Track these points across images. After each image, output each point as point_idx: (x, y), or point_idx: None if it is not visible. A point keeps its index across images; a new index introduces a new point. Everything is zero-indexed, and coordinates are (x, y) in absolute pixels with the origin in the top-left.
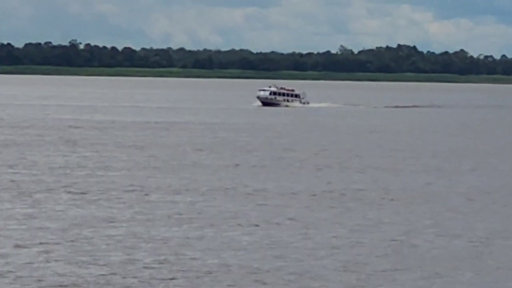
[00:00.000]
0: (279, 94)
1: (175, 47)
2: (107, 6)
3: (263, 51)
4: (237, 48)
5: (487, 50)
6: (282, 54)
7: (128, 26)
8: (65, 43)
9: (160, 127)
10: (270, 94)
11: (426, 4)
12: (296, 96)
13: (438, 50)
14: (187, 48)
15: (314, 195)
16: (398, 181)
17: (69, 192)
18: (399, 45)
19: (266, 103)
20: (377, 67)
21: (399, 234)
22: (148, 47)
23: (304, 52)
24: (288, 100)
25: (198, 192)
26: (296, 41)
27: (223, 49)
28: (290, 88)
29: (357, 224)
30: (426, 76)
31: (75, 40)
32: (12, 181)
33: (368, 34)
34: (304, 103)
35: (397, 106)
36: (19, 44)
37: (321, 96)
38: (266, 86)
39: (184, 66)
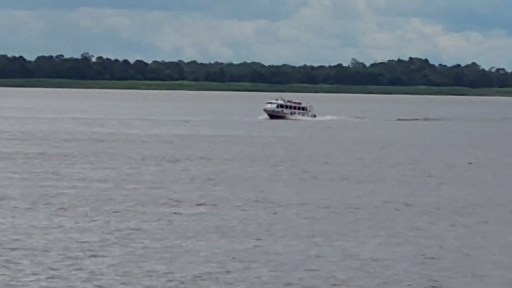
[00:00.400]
0: (286, 107)
1: (185, 60)
2: (117, 19)
3: (274, 64)
4: (248, 61)
5: (497, 63)
6: (293, 67)
7: (139, 40)
8: (77, 56)
9: (184, 140)
10: (277, 107)
11: (435, 17)
12: (303, 109)
13: (448, 63)
14: (198, 61)
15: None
16: (417, 193)
17: (108, 205)
18: (410, 58)
19: (273, 116)
20: (389, 80)
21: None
22: (159, 60)
23: (316, 65)
24: (295, 113)
25: (238, 203)
26: (306, 54)
27: (234, 62)
28: (296, 101)
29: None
30: (438, 89)
31: (87, 53)
32: (51, 194)
33: (378, 47)
34: (311, 116)
35: (403, 119)
36: (31, 57)
37: (328, 109)
38: (273, 99)
39: (195, 79)
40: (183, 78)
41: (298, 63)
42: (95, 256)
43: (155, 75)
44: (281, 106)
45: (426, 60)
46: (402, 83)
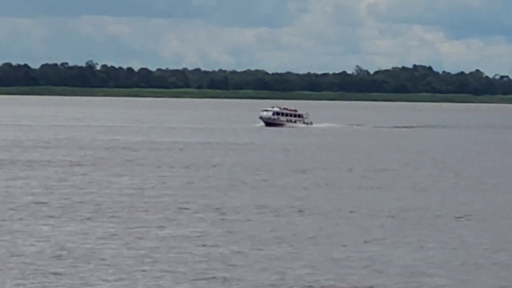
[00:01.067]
0: (282, 114)
1: (187, 67)
2: (119, 27)
3: (277, 71)
4: (250, 68)
5: (499, 70)
6: (297, 74)
7: (141, 47)
8: (81, 63)
9: (203, 147)
10: (273, 114)
11: (437, 24)
12: (299, 116)
13: (449, 70)
14: (200, 68)
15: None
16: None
17: (151, 212)
18: (414, 65)
19: (269, 123)
20: (393, 88)
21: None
22: (161, 67)
23: (317, 72)
24: (291, 121)
25: (275, 209)
26: (308, 61)
27: (235, 69)
28: (292, 109)
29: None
30: (441, 96)
31: (91, 60)
32: (95, 202)
33: (379, 54)
34: (307, 123)
35: (400, 126)
36: (35, 65)
37: (326, 116)
38: (269, 107)
39: (199, 87)
40: (187, 86)
41: (300, 70)
42: (150, 262)
43: (159, 82)
44: (277, 113)
45: (430, 68)
46: (406, 91)
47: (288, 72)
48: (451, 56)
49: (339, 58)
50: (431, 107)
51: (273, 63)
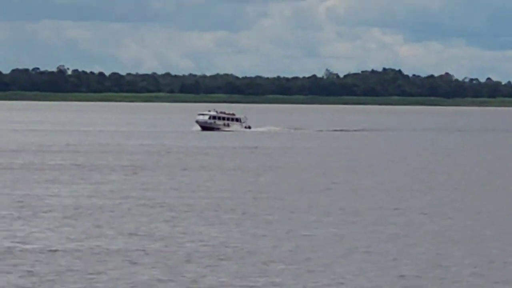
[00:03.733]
0: (219, 118)
1: (148, 72)
2: (77, 31)
3: (234, 74)
4: (210, 73)
5: (462, 72)
6: (267, 78)
7: (99, 51)
8: (53, 68)
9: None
10: (209, 118)
11: (395, 26)
12: (237, 120)
13: (408, 73)
14: (158, 72)
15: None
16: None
17: (217, 211)
18: (384, 68)
19: (205, 127)
20: (363, 91)
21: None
22: (120, 72)
23: (281, 76)
24: (228, 125)
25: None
26: (266, 65)
27: (194, 73)
28: (230, 112)
29: None
30: (412, 99)
31: (63, 65)
32: (161, 203)
33: (338, 58)
34: (245, 127)
35: (340, 130)
36: (6, 70)
37: (270, 119)
38: (205, 110)
39: (171, 91)
40: (159, 90)
41: (260, 73)
42: (215, 266)
43: (131, 87)
44: (214, 117)
45: (399, 71)
46: (377, 94)
47: (258, 76)
48: (410, 59)
49: (299, 61)
50: (402, 110)
51: (231, 67)
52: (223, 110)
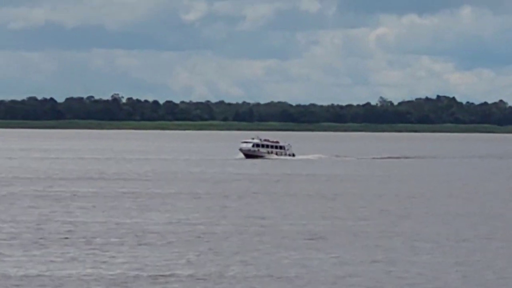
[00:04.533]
0: (262, 146)
1: (199, 100)
2: (129, 60)
3: (300, 103)
4: (263, 101)
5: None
6: (321, 106)
7: (151, 80)
8: (107, 97)
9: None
10: (253, 146)
11: (445, 54)
12: (281, 147)
13: (463, 101)
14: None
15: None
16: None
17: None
18: (438, 96)
19: (248, 155)
20: (416, 118)
21: None
22: (172, 100)
23: (343, 104)
24: (271, 152)
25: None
26: (317, 92)
27: (245, 101)
28: (274, 140)
29: None
30: (465, 126)
31: (117, 94)
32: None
33: (388, 85)
34: (289, 154)
35: (387, 157)
36: (60, 98)
37: (316, 148)
38: (248, 138)
39: (225, 119)
40: (212, 118)
41: (310, 101)
42: None
43: (185, 115)
44: (257, 145)
45: (453, 98)
46: (430, 121)
47: (312, 104)
48: (461, 86)
49: (349, 89)
50: (455, 137)
51: (282, 95)
52: (267, 138)
